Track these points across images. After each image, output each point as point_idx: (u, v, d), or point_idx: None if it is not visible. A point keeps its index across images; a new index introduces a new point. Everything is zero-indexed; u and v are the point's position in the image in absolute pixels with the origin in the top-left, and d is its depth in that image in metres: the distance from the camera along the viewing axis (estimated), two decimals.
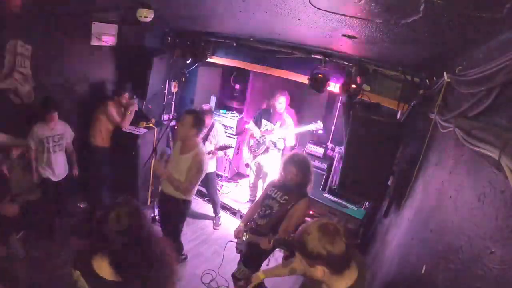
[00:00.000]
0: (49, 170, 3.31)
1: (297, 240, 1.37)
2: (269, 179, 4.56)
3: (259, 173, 4.60)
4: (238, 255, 2.85)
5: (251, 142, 4.51)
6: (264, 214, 2.62)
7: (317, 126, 4.15)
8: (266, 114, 4.42)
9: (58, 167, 3.39)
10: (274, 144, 4.35)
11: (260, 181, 4.70)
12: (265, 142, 4.37)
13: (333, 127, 4.60)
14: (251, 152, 4.54)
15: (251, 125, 4.53)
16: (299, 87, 4.29)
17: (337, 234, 1.29)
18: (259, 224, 2.63)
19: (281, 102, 4.19)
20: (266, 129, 4.38)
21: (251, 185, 4.73)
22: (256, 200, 2.95)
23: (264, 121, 4.40)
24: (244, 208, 4.59)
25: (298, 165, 2.54)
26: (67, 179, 3.53)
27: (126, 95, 3.87)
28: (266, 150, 4.41)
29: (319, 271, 1.30)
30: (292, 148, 4.50)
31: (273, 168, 4.40)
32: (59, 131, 3.35)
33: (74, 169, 3.63)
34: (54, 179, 3.37)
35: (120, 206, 1.41)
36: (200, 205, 4.74)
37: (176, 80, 4.84)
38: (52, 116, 3.21)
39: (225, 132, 5.08)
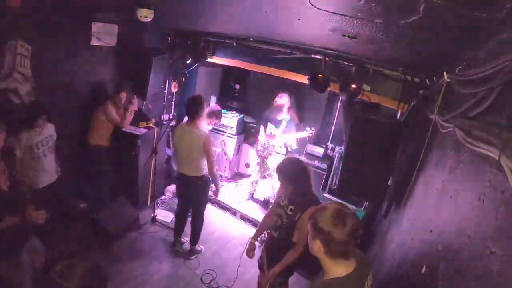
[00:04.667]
0: (42, 175, 3.13)
1: (314, 210, 1.46)
2: (274, 179, 4.64)
3: (263, 173, 4.68)
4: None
5: (259, 146, 4.60)
6: (276, 226, 2.48)
7: (309, 133, 4.28)
8: (270, 116, 4.47)
9: (51, 170, 3.24)
10: (275, 148, 4.46)
11: (261, 180, 4.77)
12: (269, 146, 4.47)
13: (333, 127, 4.60)
14: (258, 156, 4.65)
15: (261, 129, 4.63)
16: (299, 87, 4.29)
17: (343, 221, 1.32)
18: (274, 237, 2.50)
19: (281, 97, 4.28)
20: (270, 133, 4.46)
21: (253, 182, 4.79)
22: (269, 208, 2.81)
23: (269, 124, 4.47)
24: (244, 207, 4.60)
25: (282, 175, 2.34)
26: (60, 180, 3.39)
27: (123, 94, 3.85)
28: (270, 153, 4.51)
29: (316, 246, 1.38)
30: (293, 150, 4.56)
31: None
32: (47, 133, 3.16)
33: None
34: (46, 183, 3.18)
35: (79, 260, 1.20)
36: None
37: (176, 80, 4.84)
38: (41, 122, 3.03)
39: (225, 132, 5.12)
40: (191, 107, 3.24)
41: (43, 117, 3.05)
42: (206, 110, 3.60)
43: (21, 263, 2.25)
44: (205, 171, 3.37)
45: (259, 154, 4.61)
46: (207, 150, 3.22)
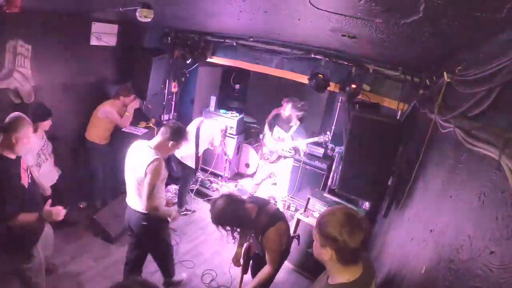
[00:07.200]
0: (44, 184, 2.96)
1: (321, 216, 1.39)
2: (278, 180, 4.63)
3: (267, 175, 4.70)
4: None
5: (264, 150, 4.55)
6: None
7: (325, 138, 4.13)
8: (278, 120, 4.41)
9: (51, 175, 3.23)
10: (285, 152, 4.42)
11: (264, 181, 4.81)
12: (277, 150, 4.42)
13: (333, 127, 4.60)
14: (264, 159, 4.60)
15: (266, 129, 4.56)
16: (299, 87, 4.29)
17: (359, 228, 1.29)
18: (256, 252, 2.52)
19: (285, 108, 4.21)
20: (278, 137, 4.40)
21: (256, 184, 4.78)
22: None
23: (277, 128, 4.41)
24: None
25: (225, 226, 2.17)
26: (59, 183, 3.38)
27: (133, 96, 3.86)
28: (278, 158, 4.47)
29: (327, 253, 1.32)
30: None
31: (283, 173, 4.52)
32: (44, 137, 3.17)
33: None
34: (48, 192, 3.01)
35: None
36: (200, 205, 4.74)
37: (176, 80, 4.85)
38: (46, 124, 3.05)
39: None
40: (177, 133, 2.56)
41: (48, 119, 3.06)
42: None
43: (34, 255, 2.27)
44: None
45: (266, 157, 4.54)
46: (148, 179, 2.36)
